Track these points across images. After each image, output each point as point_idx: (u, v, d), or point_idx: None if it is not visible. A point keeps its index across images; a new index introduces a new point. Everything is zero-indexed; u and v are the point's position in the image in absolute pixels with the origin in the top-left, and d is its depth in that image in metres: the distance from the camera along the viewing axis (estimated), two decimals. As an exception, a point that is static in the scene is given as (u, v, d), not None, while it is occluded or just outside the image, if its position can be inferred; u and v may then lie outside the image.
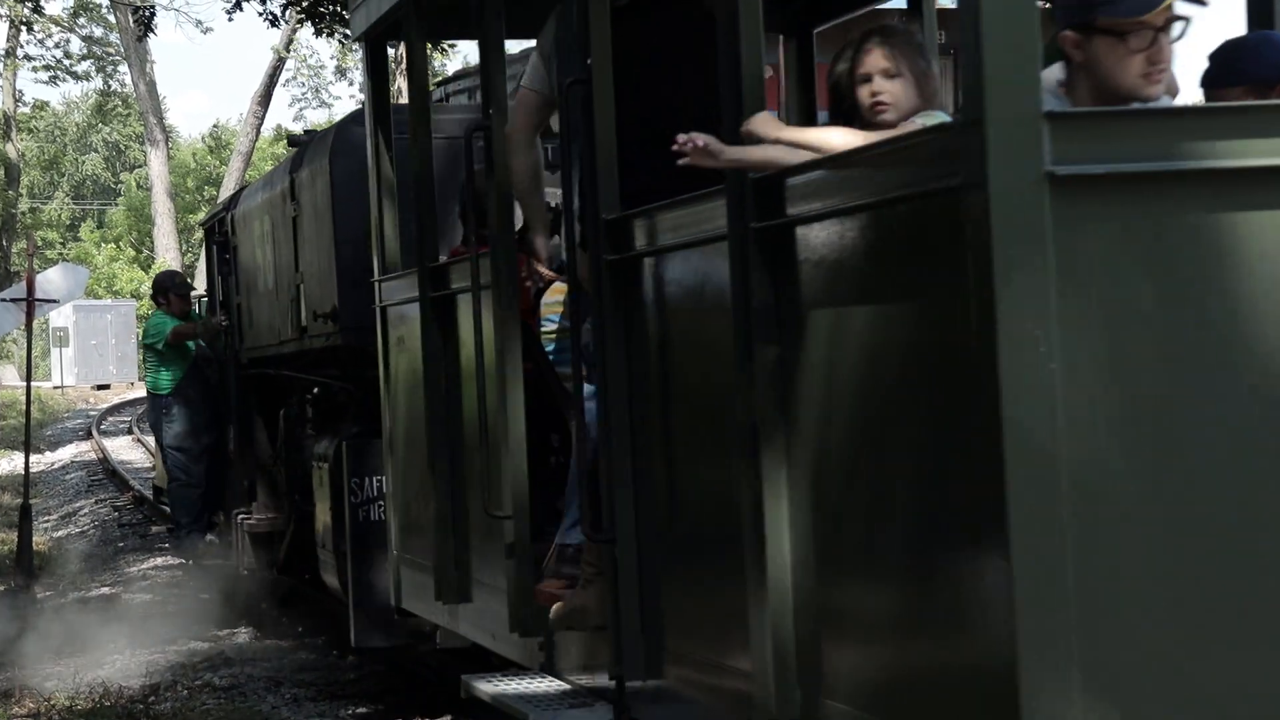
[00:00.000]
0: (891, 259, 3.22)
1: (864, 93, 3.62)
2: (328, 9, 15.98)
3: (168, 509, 16.66)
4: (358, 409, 8.92)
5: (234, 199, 11.62)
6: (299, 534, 10.25)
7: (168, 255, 44.14)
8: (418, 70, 6.60)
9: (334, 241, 8.42)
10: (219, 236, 11.77)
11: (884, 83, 3.60)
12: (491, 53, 5.70)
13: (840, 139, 3.52)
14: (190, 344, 12.52)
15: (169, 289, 12.74)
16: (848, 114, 3.72)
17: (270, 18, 16.61)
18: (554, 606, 5.21)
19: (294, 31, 38.42)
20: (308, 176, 8.93)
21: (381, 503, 8.27)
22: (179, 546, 12.48)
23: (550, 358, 6.00)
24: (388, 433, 7.38)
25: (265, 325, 10.38)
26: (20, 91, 50.67)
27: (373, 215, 7.38)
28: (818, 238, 3.55)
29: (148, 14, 17.90)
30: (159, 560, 14.54)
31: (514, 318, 5.69)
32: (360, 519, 8.24)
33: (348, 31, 15.85)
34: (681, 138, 3.70)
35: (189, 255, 49.68)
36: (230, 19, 16.93)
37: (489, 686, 5.52)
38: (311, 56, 63.28)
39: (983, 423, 2.91)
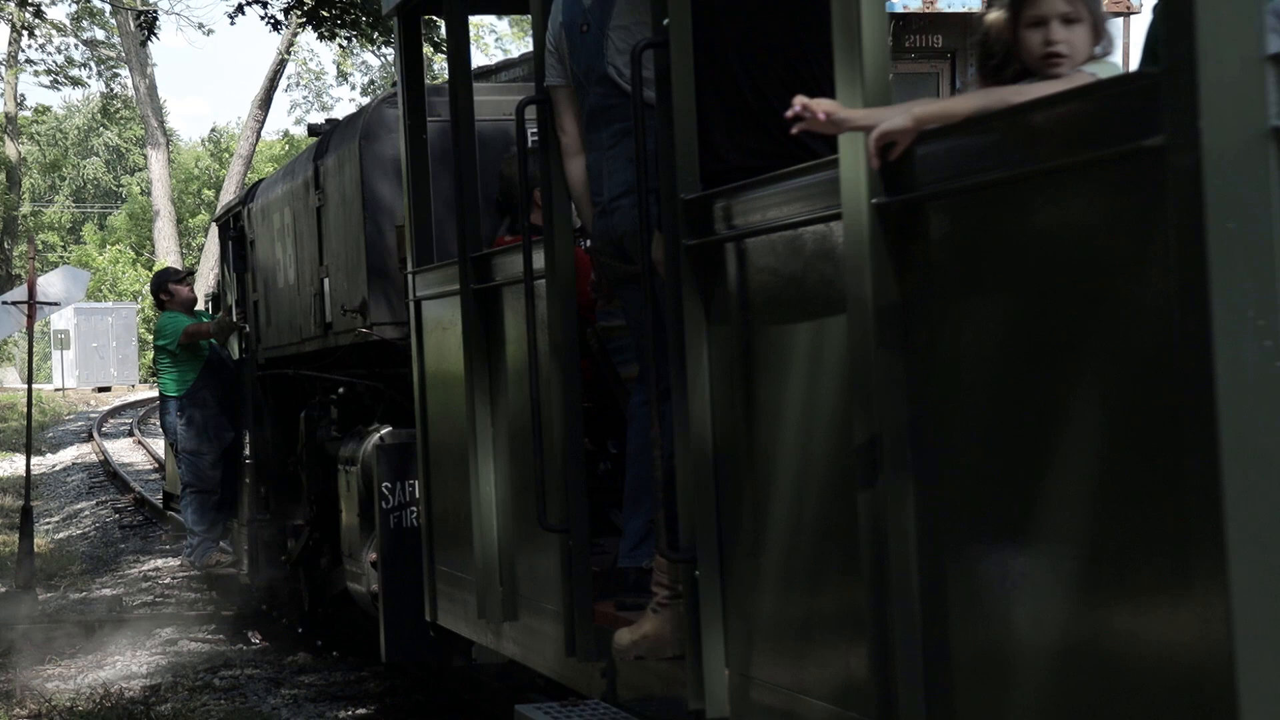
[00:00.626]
0: (1067, 237, 2.72)
1: (1034, 40, 3.09)
2: (329, 12, 15.96)
3: (179, 515, 16.25)
4: (387, 409, 8.44)
5: (251, 192, 11.13)
6: (320, 541, 9.76)
7: (168, 258, 44.17)
8: (459, 46, 6.11)
9: (363, 231, 7.93)
10: (234, 231, 11.26)
11: (1062, 30, 3.06)
12: (543, 23, 5.22)
13: (983, 102, 3.00)
14: (204, 344, 11.99)
15: (166, 280, 12.13)
16: (996, 69, 3.20)
17: (272, 21, 16.57)
18: (619, 633, 4.71)
19: (295, 35, 38.73)
20: (334, 163, 8.44)
21: (413, 509, 7.78)
22: (192, 556, 11.97)
23: (610, 356, 5.52)
24: (422, 435, 6.89)
25: (285, 323, 9.89)
26: (22, 96, 50.71)
27: (406, 203, 6.90)
28: (960, 215, 3.05)
29: (151, 17, 17.97)
30: (159, 562, 14.55)
31: (571, 311, 5.20)
32: (392, 526, 7.75)
33: (349, 34, 16.77)
34: (800, 102, 3.18)
35: (189, 257, 49.95)
36: (233, 22, 17.58)
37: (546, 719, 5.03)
38: (312, 60, 63.54)
39: (1194, 430, 2.41)
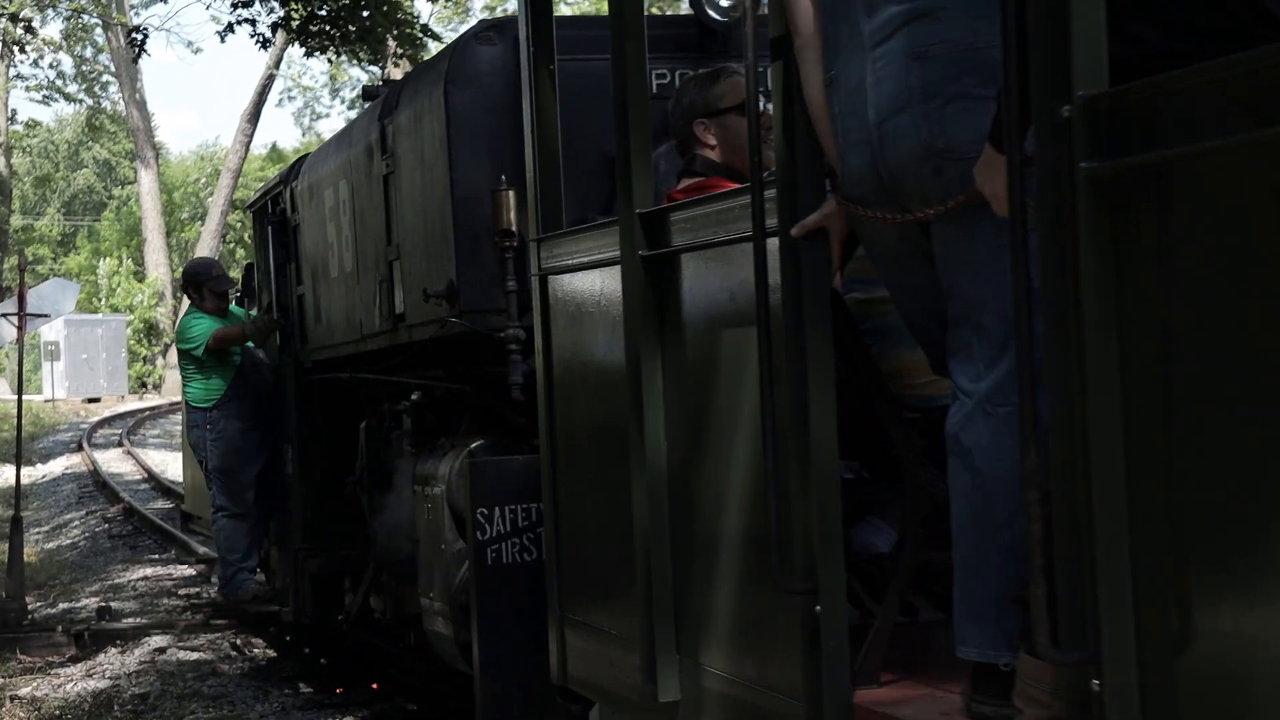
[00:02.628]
0: None
1: None
2: (317, 27, 16.12)
3: (196, 536, 14.76)
4: (477, 417, 6.96)
5: (293, 169, 9.62)
6: (386, 576, 8.28)
7: (159, 270, 46.06)
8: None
9: (449, 198, 6.45)
10: (274, 217, 9.74)
11: None
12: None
13: None
14: (235, 348, 10.48)
15: (203, 282, 10.65)
16: None
17: (261, 40, 16.68)
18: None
19: (284, 50, 39.27)
20: (409, 120, 6.96)
21: (517, 540, 6.30)
22: (225, 588, 10.44)
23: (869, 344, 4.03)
24: (549, 448, 5.43)
25: (340, 318, 8.39)
26: (14, 110, 50.79)
27: (529, 156, 5.46)
28: None
29: (142, 35, 17.76)
30: (148, 571, 14.69)
31: (825, 282, 3.74)
32: (490, 561, 6.26)
33: (338, 50, 17.12)
34: None
35: (179, 270, 49.72)
36: (223, 40, 16.98)
37: None
38: (305, 75, 64.44)
39: None
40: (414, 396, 7.36)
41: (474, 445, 6.62)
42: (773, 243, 3.78)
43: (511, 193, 6.28)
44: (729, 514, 4.20)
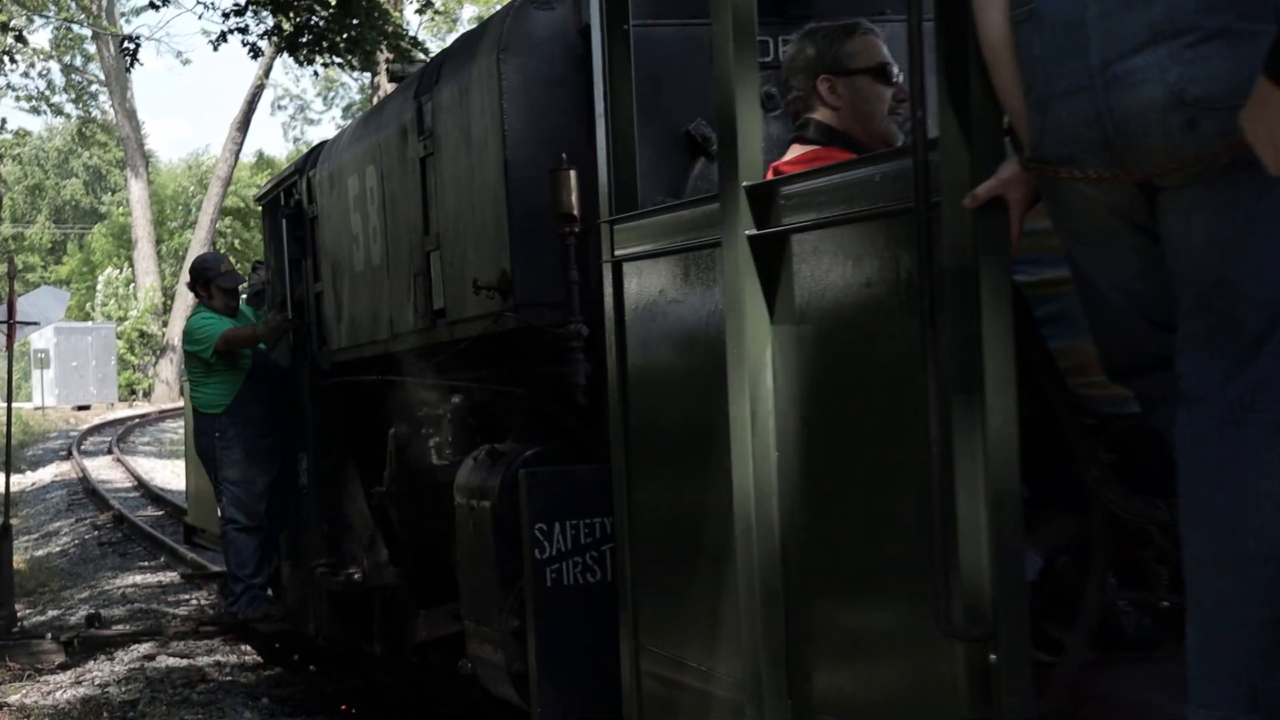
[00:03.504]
0: None
1: None
2: (307, 38, 16.24)
3: (201, 551, 14.15)
4: (529, 422, 6.32)
5: (310, 157, 8.96)
6: (414, 596, 7.64)
7: (148, 279, 46.58)
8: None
9: (503, 179, 5.82)
10: (288, 209, 9.08)
11: None
12: None
13: None
14: (245, 350, 9.81)
15: (211, 278, 9.97)
16: None
17: (253, 50, 16.89)
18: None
19: (273, 60, 39.90)
20: (452, 95, 6.32)
21: (579, 559, 5.67)
22: (236, 605, 9.77)
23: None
24: (622, 456, 4.83)
25: (365, 316, 7.75)
26: (3, 119, 51.43)
27: (601, 128, 4.85)
28: None
29: (134, 45, 17.71)
30: (138, 578, 14.71)
31: (1001, 261, 3.12)
32: (549, 584, 5.63)
33: (328, 60, 17.31)
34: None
35: (169, 279, 50.53)
36: (215, 49, 17.16)
37: None
38: (297, 84, 65.35)
39: None
40: (454, 400, 6.72)
41: (528, 453, 5.98)
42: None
43: (573, 172, 5.65)
44: (868, 538, 3.57)
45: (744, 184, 3.94)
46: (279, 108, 61.36)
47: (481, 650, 6.26)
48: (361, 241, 7.72)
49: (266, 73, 43.24)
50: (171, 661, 10.60)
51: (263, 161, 61.57)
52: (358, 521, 8.66)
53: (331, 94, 59.25)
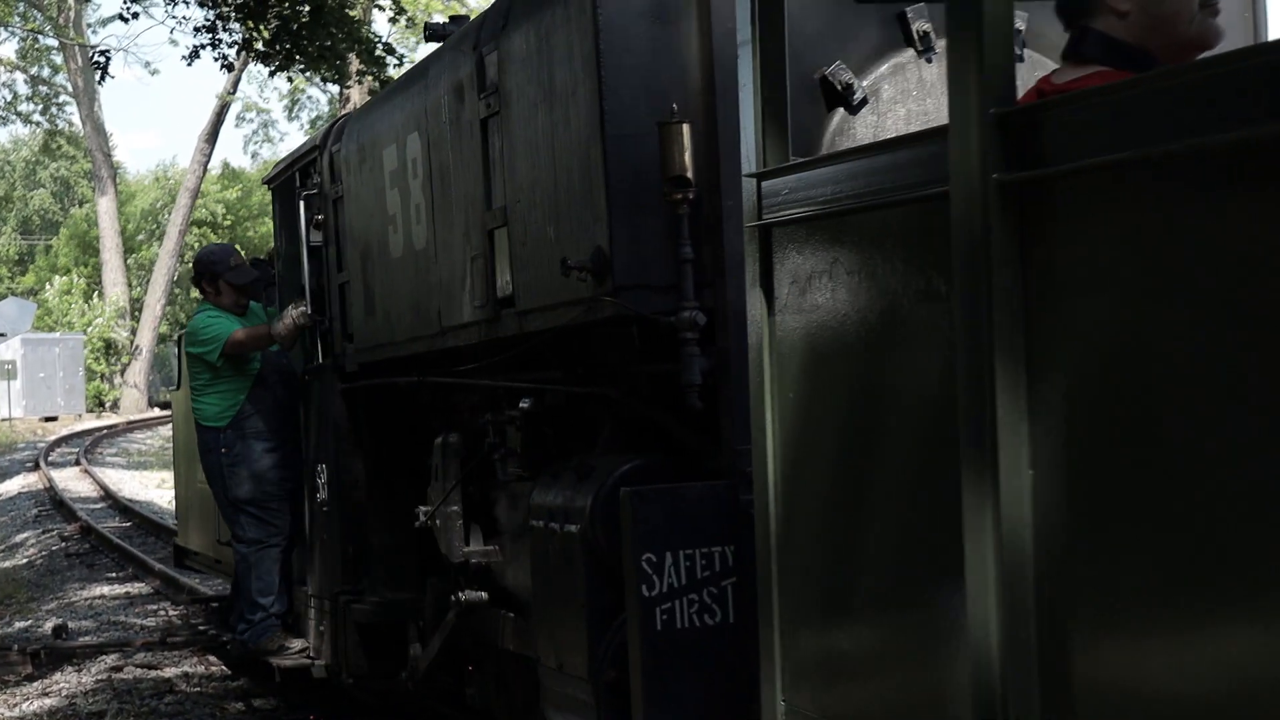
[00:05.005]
0: None
1: None
2: (280, 48, 16.21)
3: (187, 573, 13.22)
4: (621, 430, 5.32)
5: (331, 131, 7.92)
6: (464, 632, 6.62)
7: (116, 290, 46.47)
8: None
9: (601, 136, 4.81)
10: (308, 189, 8.04)
11: None
12: None
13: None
14: (255, 353, 8.74)
15: (220, 273, 8.89)
16: None
17: (226, 64, 16.94)
18: None
19: (242, 71, 40.68)
20: (526, 43, 5.30)
21: (696, 597, 4.66)
22: (248, 635, 8.70)
23: None
24: (770, 471, 3.83)
25: (404, 309, 6.73)
26: None
27: (749, 65, 3.87)
28: None
29: (105, 57, 17.29)
30: (105, 589, 14.68)
31: None
32: (660, 626, 4.63)
33: (301, 67, 17.35)
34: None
35: (138, 289, 49.58)
36: (189, 64, 16.95)
37: None
38: (265, 91, 65.65)
39: None
40: (523, 404, 5.70)
41: (626, 468, 4.97)
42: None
43: (686, 127, 4.66)
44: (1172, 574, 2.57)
45: (991, 109, 2.94)
46: (244, 120, 60.73)
47: (562, 703, 5.24)
48: (400, 222, 6.70)
49: (234, 87, 43.44)
50: (139, 673, 10.53)
51: (229, 173, 60.67)
52: (389, 543, 7.64)
53: (297, 107, 58.68)
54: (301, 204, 8.00)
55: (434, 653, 6.89)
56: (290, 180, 8.50)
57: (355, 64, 18.54)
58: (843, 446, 3.56)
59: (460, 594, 6.44)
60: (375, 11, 27.12)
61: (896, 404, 3.38)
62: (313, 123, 56.73)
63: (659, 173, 4.72)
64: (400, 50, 19.90)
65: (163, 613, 13.27)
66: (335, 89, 42.24)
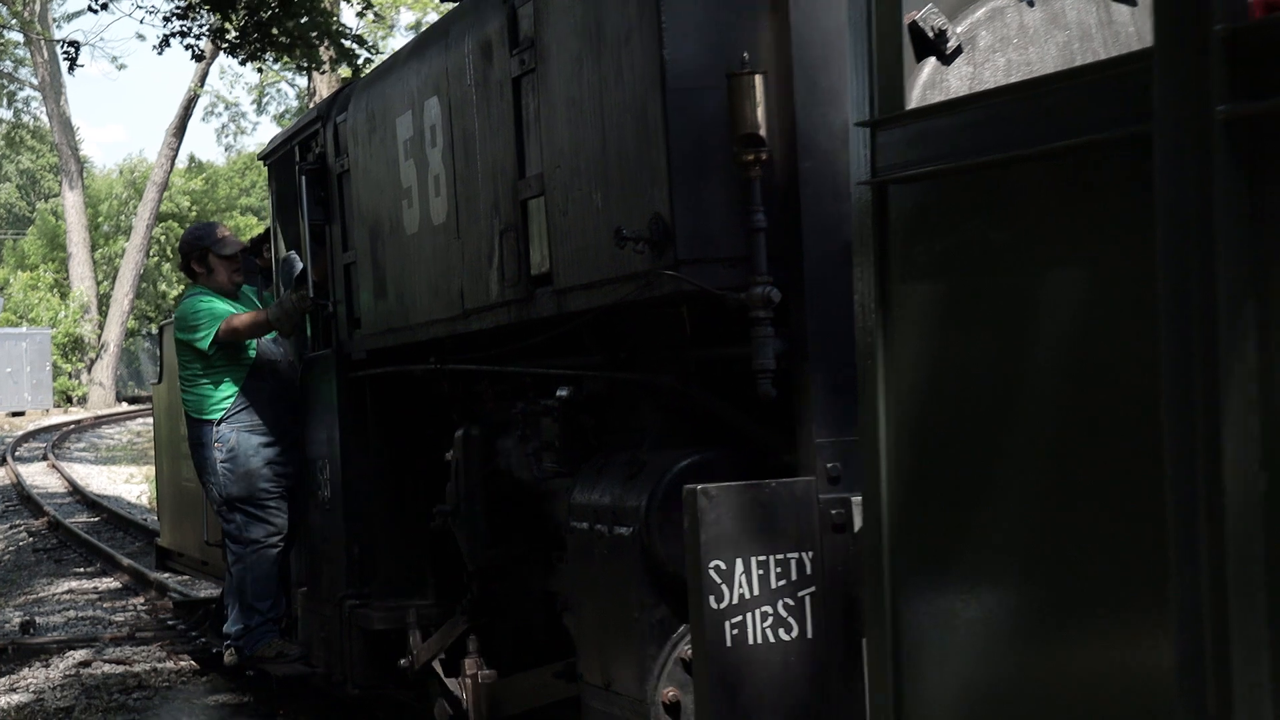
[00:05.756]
0: None
1: None
2: (250, 38, 16.02)
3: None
4: (675, 420, 4.78)
5: (335, 100, 7.36)
6: (492, 639, 6.08)
7: (83, 284, 46.16)
8: None
9: (661, 89, 4.26)
10: (308, 164, 7.47)
11: None
12: None
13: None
14: (249, 340, 8.15)
15: (208, 246, 8.28)
16: None
17: (196, 54, 16.78)
18: None
19: (211, 62, 40.43)
20: (571, -13, 4.76)
21: (770, 609, 4.13)
22: (242, 641, 8.13)
23: None
24: (885, 467, 3.32)
25: (420, 290, 6.17)
26: None
27: (859, 2, 3.33)
28: None
29: (74, 47, 17.05)
30: (73, 584, 14.61)
31: None
32: (728, 643, 4.10)
33: (274, 55, 17.41)
34: None
35: (104, 284, 49.79)
36: (160, 53, 16.55)
37: None
38: (230, 90, 66.10)
39: None
40: (561, 393, 5.15)
41: (686, 462, 4.43)
42: None
43: (759, 78, 4.13)
44: None
45: (1218, 25, 2.40)
46: (213, 114, 60.31)
47: (610, 726, 4.70)
48: (416, 196, 6.14)
49: (202, 79, 43.11)
50: (107, 668, 10.43)
51: (194, 167, 60.00)
52: (398, 545, 7.09)
53: (266, 100, 58.28)
54: (303, 180, 7.43)
55: (437, 649, 6.35)
56: (289, 155, 7.94)
57: (328, 51, 18.37)
58: (987, 441, 3.03)
59: (477, 599, 5.92)
60: (344, 5, 26.72)
61: (1059, 392, 2.85)
62: (280, 117, 56.23)
63: (727, 131, 4.19)
64: (370, 42, 19.57)
65: (131, 608, 13.18)
66: (304, 82, 42.01)
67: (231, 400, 8.11)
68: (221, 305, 8.10)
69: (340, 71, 22.67)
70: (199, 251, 8.21)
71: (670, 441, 4.68)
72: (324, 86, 30.26)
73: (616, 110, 4.49)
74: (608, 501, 4.65)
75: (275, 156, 8.27)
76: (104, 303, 48.18)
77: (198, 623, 11.17)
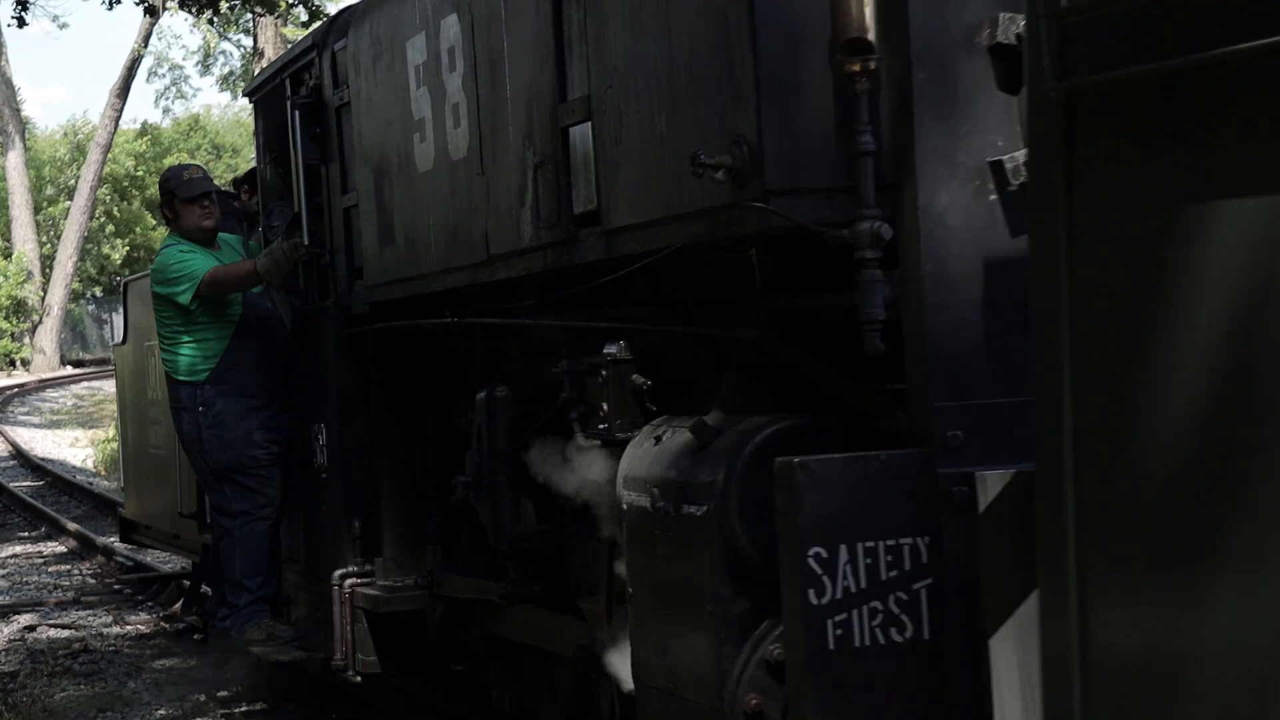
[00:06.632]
0: None
1: None
2: None
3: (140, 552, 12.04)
4: (749, 381, 4.12)
5: (334, 25, 6.63)
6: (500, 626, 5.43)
7: (26, 246, 45.31)
8: None
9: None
10: (304, 96, 6.77)
11: None
12: None
13: None
14: (235, 295, 7.45)
15: (174, 190, 7.42)
16: None
17: (148, 7, 16.53)
18: None
19: (152, 28, 39.91)
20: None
21: (880, 605, 3.49)
22: (230, 621, 7.44)
23: None
24: (1069, 439, 2.65)
25: (435, 234, 5.49)
26: None
27: None
28: None
29: (20, 7, 16.43)
30: (17, 549, 14.47)
31: None
32: (832, 644, 3.46)
33: (229, 4, 17.15)
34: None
35: (47, 246, 48.99)
36: (110, 9, 16.19)
37: None
38: (171, 49, 65.45)
39: None
40: (611, 350, 4.48)
41: (769, 431, 3.77)
42: None
43: (868, -26, 3.46)
44: None
45: None
46: (156, 75, 59.26)
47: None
48: (431, 128, 5.45)
49: (145, 39, 42.31)
50: (53, 633, 10.41)
51: (146, 129, 58.90)
52: (406, 519, 6.44)
53: (210, 61, 57.26)
54: (295, 115, 6.73)
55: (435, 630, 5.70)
56: (278, 89, 7.22)
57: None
58: (1221, 415, 2.37)
59: (504, 583, 5.26)
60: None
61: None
62: (225, 78, 55.19)
63: (824, 37, 3.52)
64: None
65: (78, 572, 13.09)
66: (249, 43, 41.23)
67: (216, 360, 7.41)
68: (202, 258, 7.39)
69: (294, 18, 22.04)
70: (167, 195, 7.49)
71: (744, 405, 4.02)
72: (270, 48, 29.49)
73: (688, 16, 3.81)
74: (673, 475, 3.99)
75: (263, 91, 7.55)
76: (47, 265, 47.23)
77: (180, 602, 10.52)
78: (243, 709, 8.00)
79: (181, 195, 7.44)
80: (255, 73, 29.92)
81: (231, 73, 54.93)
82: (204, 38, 49.69)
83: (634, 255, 4.19)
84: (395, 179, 5.82)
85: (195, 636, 9.65)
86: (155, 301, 7.60)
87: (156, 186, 7.93)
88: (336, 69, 6.47)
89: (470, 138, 5.13)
